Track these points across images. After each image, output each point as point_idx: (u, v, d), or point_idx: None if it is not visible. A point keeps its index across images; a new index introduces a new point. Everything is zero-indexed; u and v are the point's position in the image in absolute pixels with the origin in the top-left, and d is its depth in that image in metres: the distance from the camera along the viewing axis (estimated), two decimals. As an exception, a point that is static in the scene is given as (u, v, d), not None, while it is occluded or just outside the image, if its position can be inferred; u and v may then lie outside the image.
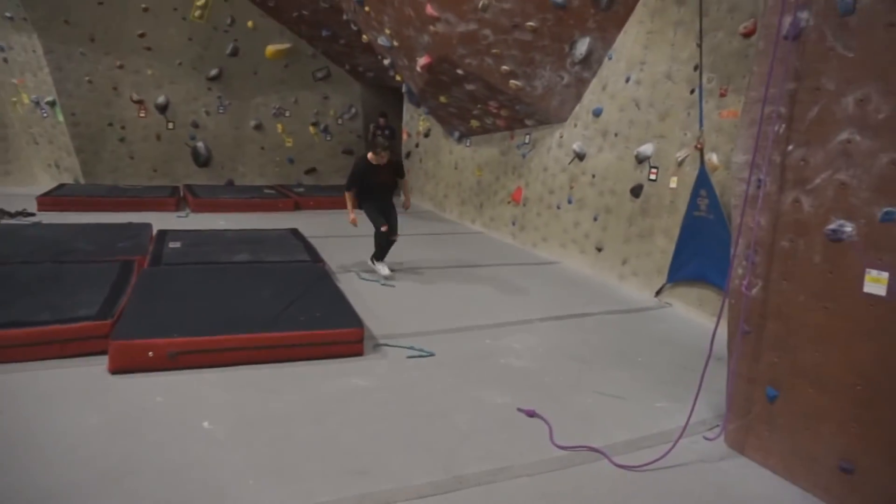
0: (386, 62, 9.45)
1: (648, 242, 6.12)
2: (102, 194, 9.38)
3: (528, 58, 6.96)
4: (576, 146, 7.21)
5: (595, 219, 6.90)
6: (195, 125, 11.30)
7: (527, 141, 8.21)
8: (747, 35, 5.00)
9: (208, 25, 10.80)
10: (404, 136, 12.10)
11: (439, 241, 8.45)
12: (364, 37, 9.63)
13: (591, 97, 7.07)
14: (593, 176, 6.94)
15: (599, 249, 6.85)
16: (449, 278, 6.47)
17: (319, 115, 12.41)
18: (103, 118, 10.48)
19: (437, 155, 10.80)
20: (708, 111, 5.33)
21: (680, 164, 5.70)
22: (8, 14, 9.43)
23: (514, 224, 8.52)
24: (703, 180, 5.14)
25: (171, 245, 6.17)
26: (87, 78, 10.16)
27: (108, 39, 10.15)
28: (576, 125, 7.31)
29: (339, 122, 12.62)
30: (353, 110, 12.68)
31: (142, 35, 10.36)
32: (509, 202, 8.62)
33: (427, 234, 8.83)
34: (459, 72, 7.43)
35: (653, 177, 6.06)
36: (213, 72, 11.17)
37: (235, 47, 11.18)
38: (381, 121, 11.69)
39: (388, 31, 8.37)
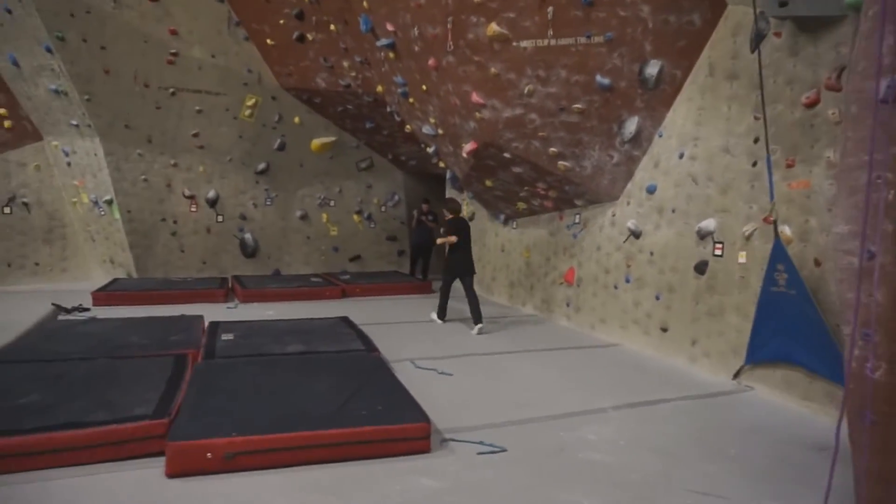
0: (430, 150, 9.62)
1: (719, 321, 5.78)
2: (154, 287, 9.50)
3: (575, 139, 6.96)
4: (630, 224, 7.03)
5: (657, 298, 6.61)
6: (243, 217, 11.56)
7: (577, 221, 8.08)
8: (810, 105, 4.87)
9: (257, 123, 11.26)
10: (447, 221, 12.13)
11: (490, 325, 8.21)
12: (407, 127, 9.87)
13: (643, 174, 6.96)
14: (651, 254, 6.71)
15: (664, 330, 6.51)
16: (507, 364, 6.18)
17: (363, 204, 12.61)
18: (156, 214, 10.81)
19: (482, 238, 10.74)
20: (775, 183, 5.13)
21: (748, 238, 5.45)
22: (74, 122, 10.00)
23: (568, 306, 8.25)
24: (779, 254, 4.87)
25: (224, 337, 6.07)
26: (142, 177, 10.57)
27: (164, 140, 10.63)
28: (629, 203, 7.17)
29: (383, 209, 12.79)
30: (396, 198, 12.86)
31: (195, 135, 10.83)
32: (562, 283, 8.39)
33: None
34: (506, 156, 7.45)
35: (718, 252, 5.81)
36: (261, 166, 11.54)
37: (283, 142, 11.59)
38: (425, 207, 11.79)
39: (432, 120, 8.55)
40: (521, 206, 8.98)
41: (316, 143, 11.81)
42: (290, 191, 11.94)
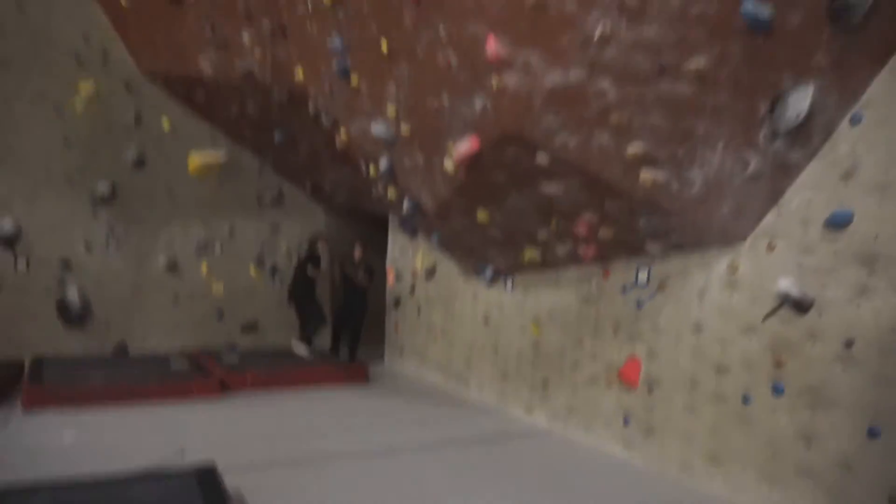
0: (378, 169, 6.05)
1: None
2: None
3: (680, 129, 3.72)
4: (785, 285, 3.81)
5: (871, 433, 3.36)
6: (67, 265, 7.36)
7: (643, 279, 4.79)
8: None
9: (98, 122, 7.30)
10: (390, 279, 8.54)
11: (478, 453, 4.64)
12: (341, 135, 6.30)
13: (808, 196, 3.82)
14: (849, 345, 3.49)
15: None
16: None
17: (266, 252, 8.75)
18: None
19: (448, 303, 7.24)
20: None
21: None
22: None
23: (626, 423, 4.82)
24: None
25: None
26: None
27: (-73, 136, 6.43)
28: (772, 247, 3.98)
29: (294, 261, 8.95)
30: (315, 244, 9.11)
31: (-13, 133, 6.71)
32: (611, 384, 4.98)
33: (449, 440, 4.98)
34: (540, 160, 4.08)
35: None
36: (103, 188, 7.46)
37: (140, 155, 7.62)
38: (357, 253, 8.12)
39: (391, 111, 5.08)
40: (531, 254, 5.60)
41: (196, 160, 7.91)
42: (149, 227, 7.91)
